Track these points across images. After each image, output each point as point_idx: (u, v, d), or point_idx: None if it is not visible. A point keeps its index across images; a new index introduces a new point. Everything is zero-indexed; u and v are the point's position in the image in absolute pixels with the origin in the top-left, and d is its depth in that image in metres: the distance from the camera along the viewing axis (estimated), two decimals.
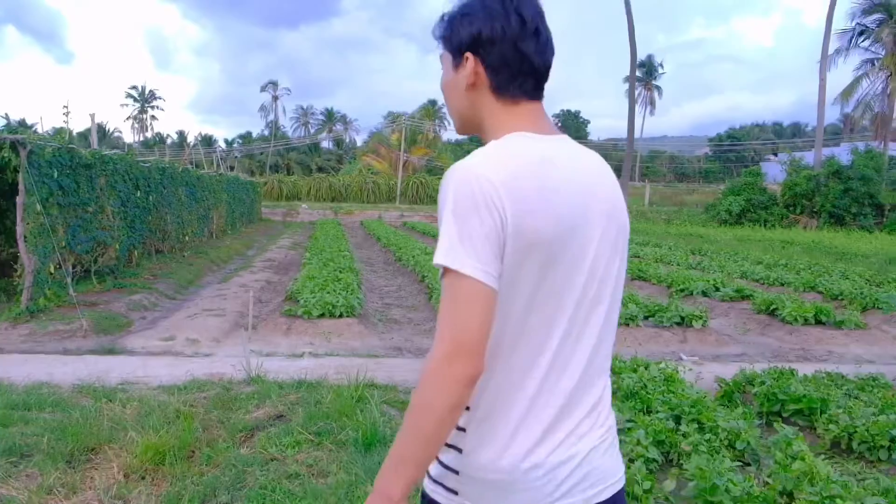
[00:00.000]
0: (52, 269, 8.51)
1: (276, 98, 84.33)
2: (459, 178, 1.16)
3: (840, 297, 9.98)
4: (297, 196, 41.30)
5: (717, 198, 34.96)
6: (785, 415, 4.71)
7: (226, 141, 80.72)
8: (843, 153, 31.64)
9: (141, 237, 12.37)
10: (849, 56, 33.90)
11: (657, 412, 4.23)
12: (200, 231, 17.48)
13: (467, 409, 1.25)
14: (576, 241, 1.22)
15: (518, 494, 1.23)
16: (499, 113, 1.30)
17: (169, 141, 69.69)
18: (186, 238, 15.72)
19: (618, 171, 78.02)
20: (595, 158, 1.35)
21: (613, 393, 4.63)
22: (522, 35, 1.26)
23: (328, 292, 8.87)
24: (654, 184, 52.55)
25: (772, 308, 8.77)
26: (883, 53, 32.68)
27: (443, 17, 1.34)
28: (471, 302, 1.11)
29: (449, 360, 1.11)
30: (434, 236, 24.58)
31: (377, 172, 46.76)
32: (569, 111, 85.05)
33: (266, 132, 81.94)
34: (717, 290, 10.41)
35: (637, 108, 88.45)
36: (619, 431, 3.61)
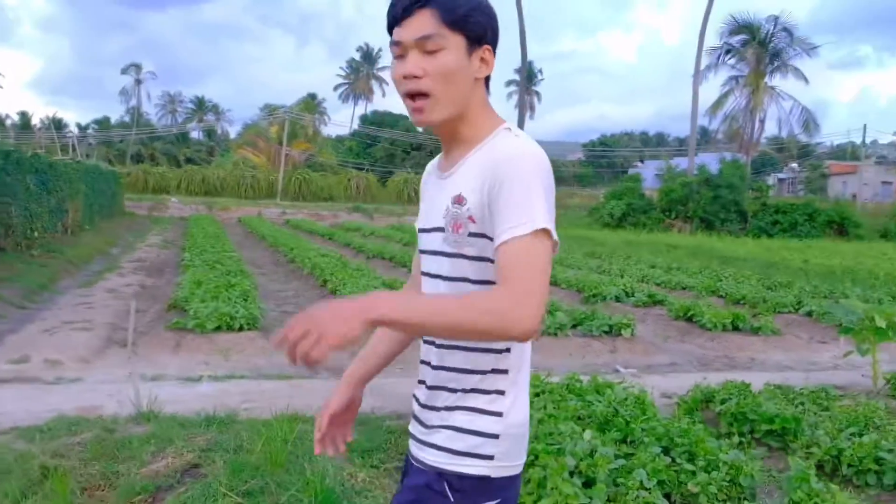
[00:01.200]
0: None
1: (139, 82, 78.76)
2: (541, 160, 1.30)
3: (742, 302, 10.08)
4: (166, 189, 38.55)
5: (599, 202, 35.95)
6: (757, 436, 4.35)
7: (78, 126, 74.15)
8: (709, 162, 33.43)
9: None
10: (718, 72, 36.19)
11: (642, 443, 3.71)
12: (53, 226, 15.55)
13: (506, 372, 1.38)
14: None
15: (524, 441, 1.42)
16: (485, 105, 1.42)
17: (9, 122, 63.20)
18: (35, 234, 13.88)
19: None
20: None
21: (583, 419, 4.11)
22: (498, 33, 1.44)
23: (222, 301, 7.84)
24: None
25: (689, 314, 8.62)
26: (747, 71, 35.03)
27: (461, 2, 1.35)
28: (548, 258, 1.24)
29: (534, 308, 1.18)
30: (322, 235, 23.57)
31: (254, 166, 44.69)
32: None
33: (127, 118, 76.49)
34: (629, 295, 10.24)
35: (517, 112, 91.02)
36: (613, 470, 3.04)
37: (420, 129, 79.98)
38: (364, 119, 76.44)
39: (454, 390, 1.39)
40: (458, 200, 1.36)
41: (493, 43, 1.39)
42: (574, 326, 7.60)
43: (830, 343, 8.16)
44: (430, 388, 1.43)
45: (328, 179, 45.46)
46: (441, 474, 1.36)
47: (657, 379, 6.19)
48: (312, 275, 11.82)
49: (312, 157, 51.14)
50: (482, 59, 1.38)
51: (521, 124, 36.90)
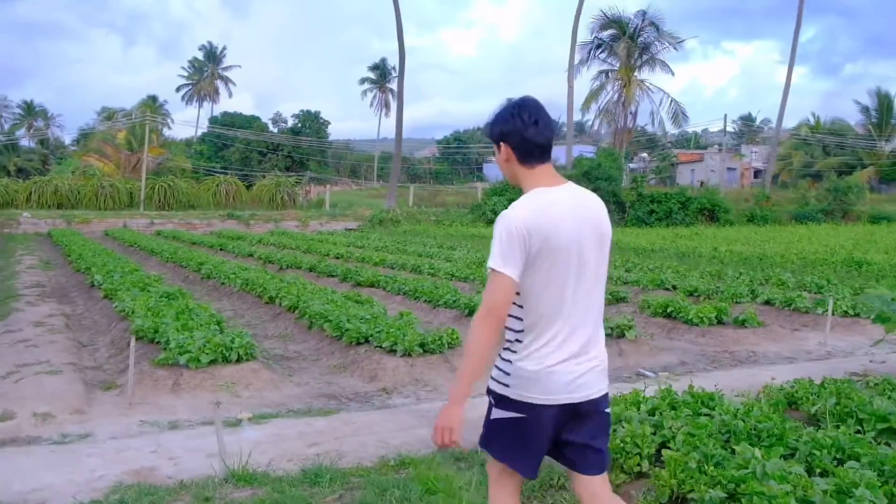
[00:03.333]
0: None
1: None
2: (504, 219, 2.18)
3: (696, 294, 10.38)
4: (12, 203, 34.60)
5: (482, 198, 36.34)
6: (871, 435, 4.34)
7: None
8: (577, 154, 34.63)
9: None
10: (591, 66, 37.55)
11: (813, 456, 3.56)
12: None
13: (519, 341, 2.26)
14: (572, 246, 2.20)
15: (542, 383, 2.21)
16: (524, 174, 2.30)
17: None
18: None
19: (353, 173, 78.12)
20: (587, 196, 2.40)
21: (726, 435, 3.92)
22: (524, 128, 2.24)
23: (197, 328, 6.99)
24: (402, 185, 53.25)
25: (669, 310, 8.74)
26: (618, 65, 36.58)
27: (487, 121, 2.36)
28: (502, 287, 2.14)
29: (484, 317, 2.16)
30: (209, 245, 22.09)
31: (102, 174, 41.18)
32: (309, 111, 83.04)
33: None
34: None
35: (373, 110, 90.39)
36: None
37: (276, 130, 78.45)
38: (214, 121, 72.86)
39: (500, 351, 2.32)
40: None
41: (507, 139, 2.27)
42: None
43: (804, 330, 8.58)
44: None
45: (195, 186, 42.93)
46: (488, 389, 2.32)
47: (691, 381, 6.14)
48: (253, 293, 10.94)
49: (163, 163, 48.11)
50: (503, 152, 2.29)
51: (402, 122, 36.60)
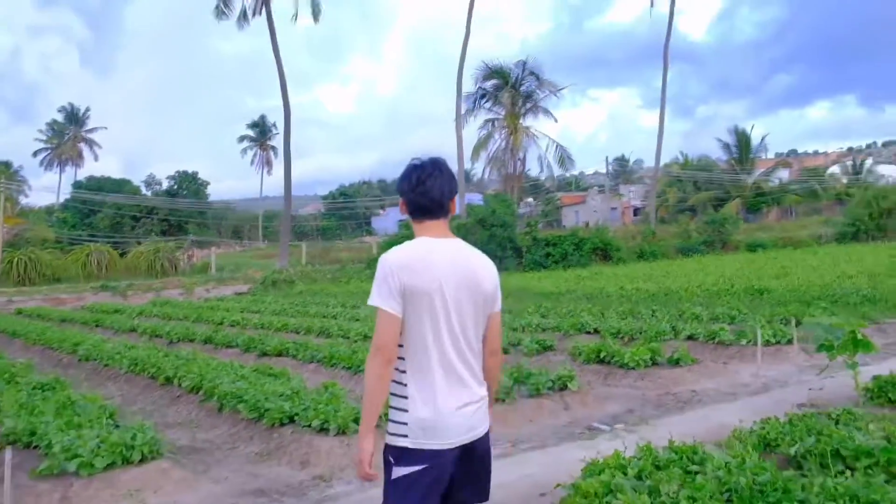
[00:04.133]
0: None
1: None
2: (380, 260, 2.39)
3: (620, 335, 10.26)
4: None
5: (377, 251, 35.81)
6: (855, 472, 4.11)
7: None
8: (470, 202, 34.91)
9: None
10: (477, 116, 38.30)
11: None
12: None
13: (406, 386, 2.37)
14: (443, 292, 2.35)
15: (439, 428, 2.31)
16: (416, 227, 2.53)
17: None
18: None
19: (236, 234, 75.53)
20: (472, 252, 2.54)
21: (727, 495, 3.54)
22: (411, 189, 2.50)
23: (88, 425, 6.03)
24: (292, 244, 51.60)
25: (602, 356, 8.50)
26: (503, 114, 37.48)
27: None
28: (384, 322, 2.31)
29: (374, 355, 2.31)
30: (82, 322, 20.20)
31: None
32: (185, 172, 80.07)
33: None
34: (515, 345, 9.91)
35: (254, 168, 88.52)
36: None
37: (149, 193, 74.95)
38: (78, 185, 68.93)
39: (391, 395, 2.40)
40: None
41: (402, 195, 2.53)
42: (517, 384, 7.01)
43: (733, 362, 8.54)
44: None
45: (60, 257, 39.96)
46: (386, 447, 2.39)
47: (649, 431, 5.84)
48: (145, 373, 9.85)
49: (21, 233, 44.77)
50: (403, 206, 2.56)
51: (290, 181, 35.70)
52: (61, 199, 71.35)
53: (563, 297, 17.11)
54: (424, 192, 2.46)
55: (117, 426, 6.36)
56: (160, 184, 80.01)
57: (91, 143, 78.16)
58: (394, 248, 2.41)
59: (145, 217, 64.33)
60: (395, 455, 2.32)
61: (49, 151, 75.63)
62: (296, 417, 6.18)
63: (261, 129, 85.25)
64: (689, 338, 9.62)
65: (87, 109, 78.82)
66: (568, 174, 55.23)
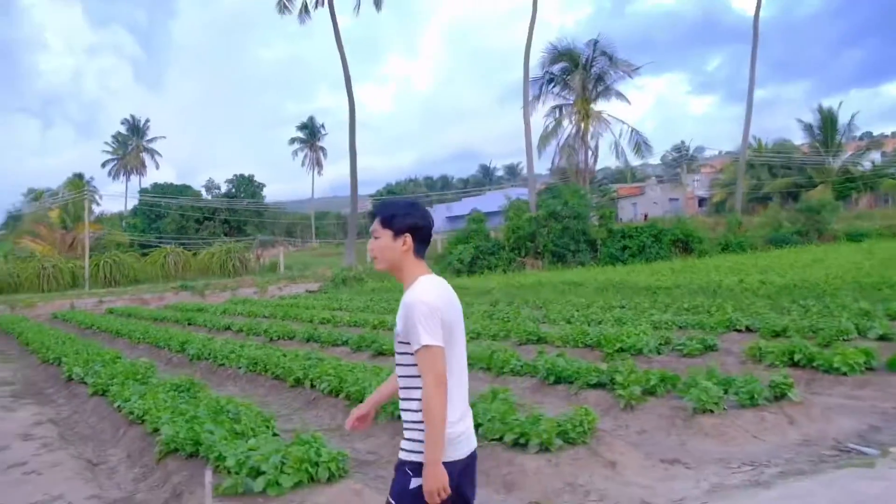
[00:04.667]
0: None
1: None
2: (420, 302, 2.41)
3: (785, 334, 9.04)
4: None
5: (444, 248, 35.16)
6: None
7: None
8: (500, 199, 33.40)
9: None
10: (546, 102, 36.80)
11: None
12: None
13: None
14: (461, 321, 2.59)
15: (455, 443, 2.45)
16: (413, 264, 2.57)
17: None
18: None
19: (289, 234, 76.00)
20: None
21: None
22: (430, 225, 2.62)
23: (252, 435, 5.48)
24: (337, 242, 51.33)
25: (796, 358, 7.44)
26: (573, 99, 36.02)
27: (387, 211, 2.61)
28: (439, 357, 2.40)
29: (438, 388, 2.37)
30: (174, 320, 20.05)
31: (41, 256, 38.59)
32: (242, 175, 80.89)
33: None
34: (664, 344, 9.03)
35: (305, 170, 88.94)
36: None
37: (209, 197, 75.92)
38: (145, 192, 70.42)
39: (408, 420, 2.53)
40: (396, 323, 2.56)
41: (416, 232, 2.57)
42: (725, 394, 6.06)
43: None
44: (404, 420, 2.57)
45: (140, 260, 40.59)
46: (403, 462, 2.50)
47: None
48: (262, 374, 9.37)
49: (100, 238, 45.67)
50: (404, 241, 2.55)
51: (356, 181, 35.29)
52: (129, 206, 72.97)
53: (668, 291, 16.14)
54: (431, 224, 2.64)
55: (273, 434, 5.84)
56: (219, 187, 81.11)
57: (152, 153, 79.76)
58: (422, 290, 2.48)
59: (207, 219, 65.23)
60: (414, 467, 2.45)
61: (115, 162, 77.42)
62: (479, 429, 5.50)
63: (310, 131, 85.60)
64: (882, 338, 8.47)
65: (147, 121, 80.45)
66: (642, 163, 53.06)
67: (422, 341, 2.38)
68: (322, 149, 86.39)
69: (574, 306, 14.97)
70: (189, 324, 18.90)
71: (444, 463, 2.40)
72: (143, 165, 79.29)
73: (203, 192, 78.25)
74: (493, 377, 8.32)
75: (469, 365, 8.73)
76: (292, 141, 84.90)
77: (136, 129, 78.87)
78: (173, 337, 13.77)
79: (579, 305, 15.04)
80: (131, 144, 78.30)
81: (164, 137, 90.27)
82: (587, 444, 5.13)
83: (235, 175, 79.43)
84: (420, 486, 2.43)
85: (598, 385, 7.01)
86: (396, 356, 2.57)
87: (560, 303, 15.88)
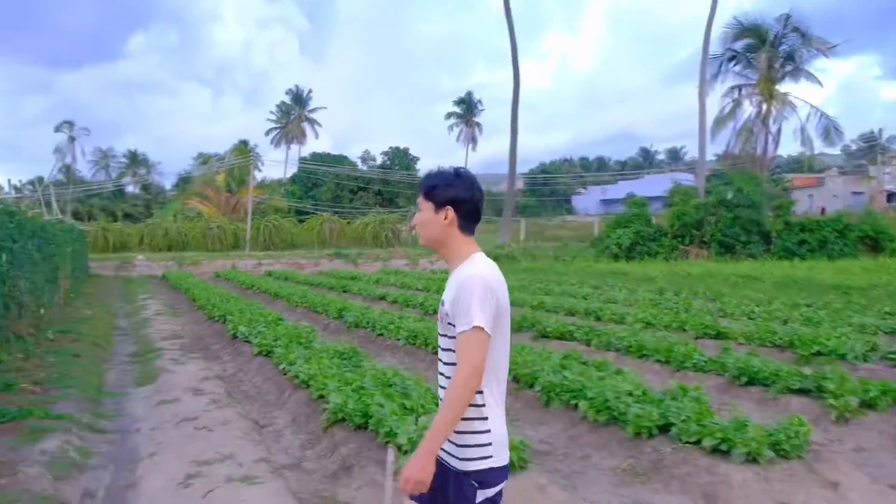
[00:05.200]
0: None
1: (72, 139, 74.28)
2: (477, 277, 2.22)
3: None
4: (127, 246, 34.86)
5: (601, 231, 34.16)
6: None
7: (15, 188, 69.31)
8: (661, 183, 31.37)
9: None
10: (724, 81, 34.39)
11: None
12: (52, 299, 12.58)
13: (484, 405, 2.27)
14: (508, 313, 2.34)
15: (502, 449, 2.29)
16: (461, 241, 2.38)
17: None
18: (42, 311, 10.94)
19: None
20: None
21: None
22: (479, 199, 2.40)
23: (416, 409, 5.31)
24: (485, 219, 50.82)
25: None
26: (755, 79, 33.48)
27: (429, 182, 2.41)
28: (483, 344, 2.17)
29: (471, 378, 2.15)
30: (329, 287, 20.78)
31: (206, 217, 41.52)
32: (397, 148, 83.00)
33: (60, 176, 71.67)
34: (872, 350, 8.00)
35: (459, 145, 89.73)
36: None
37: (365, 168, 78.42)
38: (304, 161, 73.92)
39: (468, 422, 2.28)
40: (443, 302, 2.35)
41: (459, 204, 2.36)
42: None
43: None
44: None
45: (298, 226, 42.64)
46: (462, 474, 2.27)
47: None
48: (422, 348, 9.24)
49: (262, 203, 48.31)
50: (446, 215, 2.36)
51: (515, 155, 35.00)
52: (288, 174, 76.94)
53: (866, 292, 14.54)
54: (482, 197, 2.44)
55: None
56: (374, 159, 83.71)
57: (313, 122, 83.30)
58: (479, 265, 2.31)
59: (361, 190, 67.41)
60: (480, 479, 2.25)
61: (278, 131, 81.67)
62: (670, 428, 5.00)
63: (467, 106, 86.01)
64: None
65: (310, 91, 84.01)
66: (820, 152, 48.63)
67: (474, 321, 2.14)
68: (478, 124, 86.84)
69: (752, 301, 13.84)
70: (344, 291, 19.42)
71: (499, 467, 2.28)
72: (304, 134, 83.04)
73: (359, 162, 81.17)
74: (671, 371, 7.70)
75: (643, 356, 8.20)
76: (448, 115, 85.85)
77: (299, 98, 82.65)
78: (331, 303, 14.11)
79: (758, 301, 13.89)
80: (294, 114, 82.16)
81: (325, 108, 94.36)
82: (802, 459, 4.50)
83: (391, 147, 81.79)
84: (487, 499, 2.25)
85: (802, 391, 6.26)
86: (441, 339, 2.35)
87: (735, 297, 14.75)
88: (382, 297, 16.90)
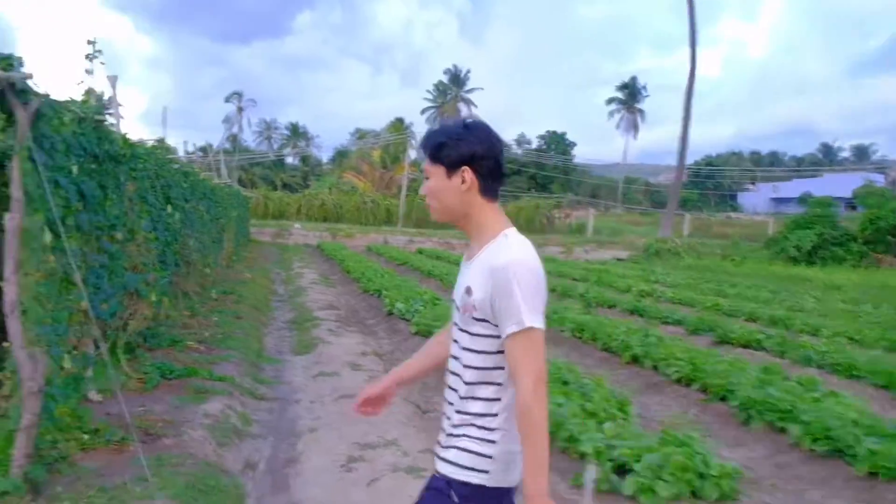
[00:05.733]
0: (66, 363, 4.20)
1: (240, 109, 79.36)
2: (525, 264, 1.82)
3: None
4: (284, 215, 36.58)
5: (777, 231, 31.73)
6: None
7: (187, 153, 75.49)
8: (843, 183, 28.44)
9: (170, 277, 8.03)
10: None
11: None
12: (217, 260, 13.12)
13: (496, 415, 1.89)
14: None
15: (516, 462, 1.87)
16: (485, 209, 1.92)
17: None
18: (208, 271, 11.38)
19: (593, 197, 74.90)
20: None
21: None
22: (500, 152, 1.94)
23: (599, 415, 4.78)
24: (641, 210, 48.56)
25: None
26: None
27: (432, 141, 1.94)
28: (542, 346, 1.81)
29: (540, 387, 1.79)
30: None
31: (360, 191, 42.74)
32: (554, 132, 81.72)
33: (227, 145, 76.88)
34: None
35: (618, 133, 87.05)
36: None
37: (519, 152, 77.92)
38: None
39: (464, 424, 1.93)
40: (469, 291, 1.88)
41: (478, 162, 1.90)
42: None
43: None
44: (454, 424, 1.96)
45: None
46: (449, 482, 1.91)
47: None
48: (589, 342, 8.67)
49: (414, 180, 49.10)
50: (463, 178, 1.90)
51: (687, 141, 33.26)
52: None
53: None
54: (499, 151, 1.95)
55: (626, 421, 5.06)
56: (530, 142, 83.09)
57: (469, 103, 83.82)
58: (523, 250, 1.88)
59: (515, 174, 67.08)
60: (464, 493, 1.88)
61: (433, 110, 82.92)
62: None
63: (630, 92, 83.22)
64: None
65: (468, 71, 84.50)
66: None
67: (525, 321, 1.79)
68: (640, 111, 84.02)
69: None
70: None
71: (492, 488, 1.89)
72: (459, 115, 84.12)
73: (514, 145, 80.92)
74: (889, 398, 6.67)
75: (852, 376, 7.15)
76: (610, 101, 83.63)
77: (456, 78, 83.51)
78: None
79: None
80: (450, 94, 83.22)
81: (482, 89, 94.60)
82: None
83: (548, 131, 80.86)
84: None
85: None
86: (459, 335, 1.95)
87: None
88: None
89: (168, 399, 5.16)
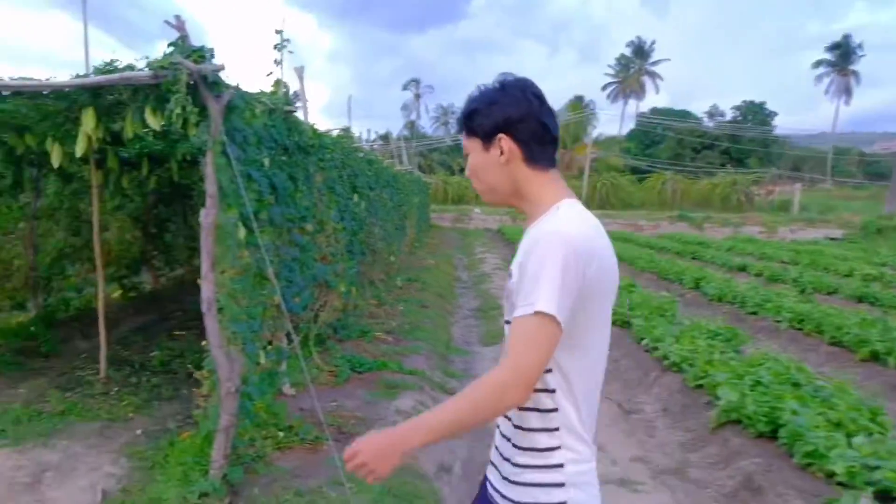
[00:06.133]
0: (262, 359, 4.23)
1: (418, 96, 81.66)
2: (560, 237, 1.47)
3: None
4: (463, 199, 37.09)
5: None
6: None
7: (368, 141, 79.28)
8: None
9: (357, 266, 8.14)
10: None
11: None
12: (400, 247, 13.35)
13: (556, 429, 1.57)
14: (611, 293, 1.60)
15: (582, 488, 1.58)
16: (535, 180, 1.63)
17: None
18: (392, 258, 11.56)
19: (795, 170, 68.91)
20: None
21: None
22: (542, 111, 1.62)
23: (846, 425, 4.12)
24: (854, 183, 43.51)
25: None
26: None
27: (465, 110, 1.68)
28: (547, 337, 1.44)
29: (517, 379, 1.45)
30: (675, 252, 19.47)
31: None
32: (752, 102, 76.29)
33: (406, 132, 79.47)
34: None
35: (826, 99, 79.62)
36: None
37: (711, 125, 73.56)
38: (643, 116, 71.83)
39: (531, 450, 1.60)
40: (510, 274, 1.59)
41: (510, 126, 1.61)
42: None
43: None
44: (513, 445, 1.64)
45: (636, 185, 41.39)
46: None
47: None
48: (813, 335, 7.73)
49: (596, 160, 47.75)
50: (500, 148, 1.62)
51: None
52: (624, 130, 75.65)
53: None
54: (554, 119, 1.66)
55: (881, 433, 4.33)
56: (723, 115, 78.34)
57: (654, 76, 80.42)
58: (565, 218, 1.54)
59: (706, 148, 63.72)
60: None
61: (615, 85, 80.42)
62: None
63: (842, 52, 75.57)
64: None
65: (653, 43, 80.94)
66: None
67: (537, 305, 1.43)
68: (854, 73, 76.26)
69: None
70: (693, 258, 18.03)
71: None
72: (643, 89, 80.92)
73: (704, 118, 76.75)
74: None
75: None
76: (817, 64, 76.66)
77: (640, 51, 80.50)
78: (684, 271, 12.97)
79: None
80: (633, 67, 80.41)
81: (668, 60, 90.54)
82: None
83: (744, 102, 75.73)
84: None
85: None
86: (507, 329, 1.61)
87: None
88: (742, 269, 15.24)
89: (359, 394, 5.13)
